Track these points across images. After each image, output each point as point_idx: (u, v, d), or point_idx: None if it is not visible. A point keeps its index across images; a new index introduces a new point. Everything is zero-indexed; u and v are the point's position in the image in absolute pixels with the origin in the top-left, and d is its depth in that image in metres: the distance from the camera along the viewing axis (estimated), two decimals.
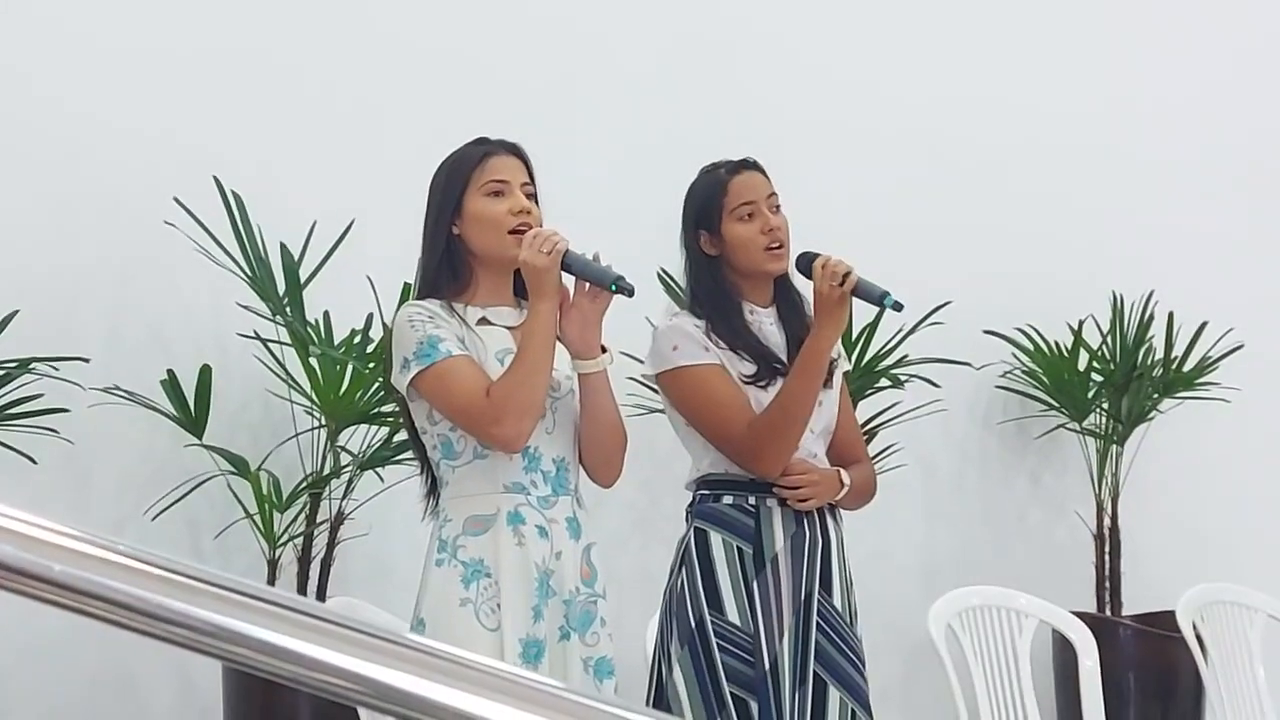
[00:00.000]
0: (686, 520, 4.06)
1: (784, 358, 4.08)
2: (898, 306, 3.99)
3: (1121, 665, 5.83)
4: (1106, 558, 6.10)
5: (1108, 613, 6.04)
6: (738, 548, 3.95)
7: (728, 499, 4.00)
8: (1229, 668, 5.64)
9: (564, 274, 3.56)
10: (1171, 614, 5.62)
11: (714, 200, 4.08)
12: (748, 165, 4.14)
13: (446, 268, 3.64)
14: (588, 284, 3.61)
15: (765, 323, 4.12)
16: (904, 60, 6.28)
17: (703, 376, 4.00)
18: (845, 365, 4.34)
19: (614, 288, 3.56)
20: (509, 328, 3.65)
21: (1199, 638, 5.56)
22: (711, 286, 4.09)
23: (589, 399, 3.65)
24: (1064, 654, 5.64)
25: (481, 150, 3.68)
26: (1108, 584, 6.08)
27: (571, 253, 3.55)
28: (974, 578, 5.71)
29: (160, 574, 1.01)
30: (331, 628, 1.03)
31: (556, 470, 3.63)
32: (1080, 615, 5.68)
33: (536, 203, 3.67)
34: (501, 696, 1.06)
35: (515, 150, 3.71)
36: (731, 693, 3.86)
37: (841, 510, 4.13)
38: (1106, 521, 6.11)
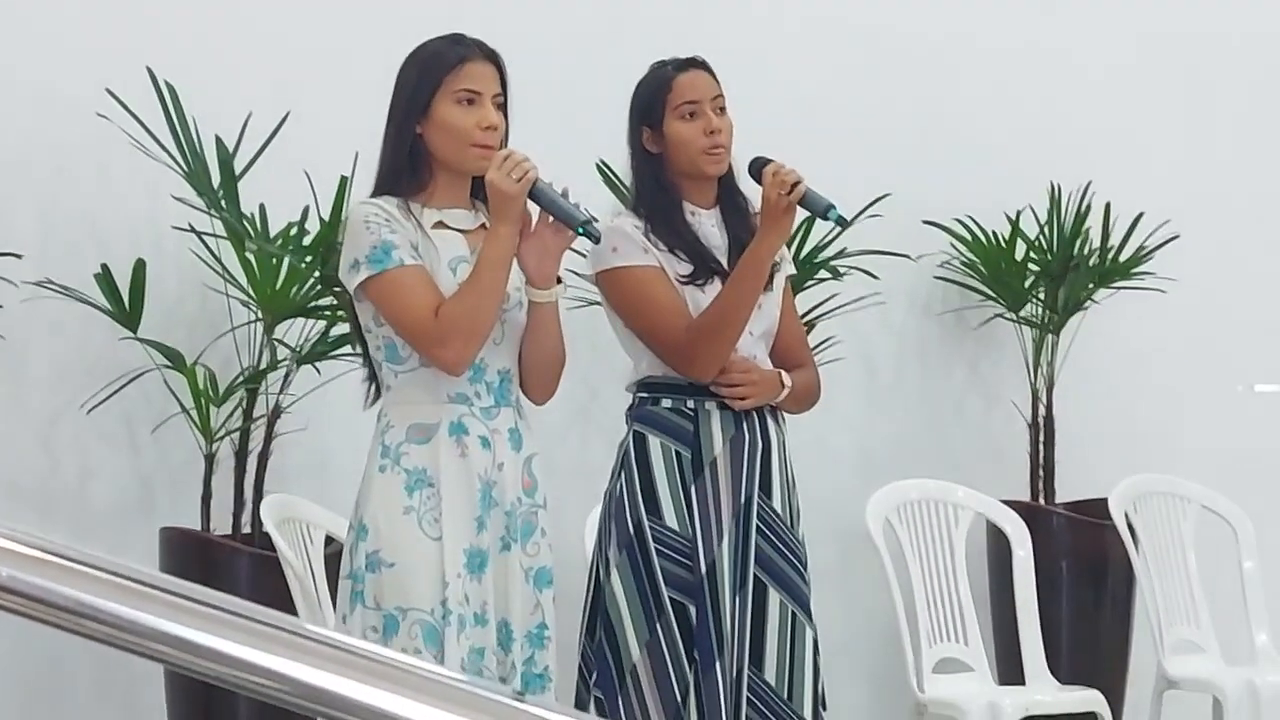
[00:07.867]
0: (626, 423, 4.07)
1: (724, 259, 4.07)
2: (842, 221, 4.01)
3: (1054, 553, 5.89)
4: (1041, 446, 6.14)
5: (1041, 501, 6.09)
6: (676, 452, 3.96)
7: (666, 402, 4.01)
8: (1161, 557, 5.71)
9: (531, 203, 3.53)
10: (1104, 502, 5.68)
11: (658, 97, 4.07)
12: (695, 64, 4.11)
13: (407, 166, 3.61)
14: (552, 218, 3.59)
15: (707, 224, 4.11)
16: None
17: (640, 278, 4.00)
18: (789, 269, 4.34)
19: (582, 230, 3.54)
20: (464, 231, 3.63)
21: (1130, 527, 5.63)
22: (653, 185, 4.08)
23: (536, 327, 3.64)
24: (998, 544, 5.70)
25: (458, 53, 3.61)
26: (1041, 473, 6.13)
27: (541, 183, 3.51)
28: (911, 467, 5.75)
29: (92, 574, 1.00)
30: (255, 626, 1.03)
31: (500, 381, 3.63)
32: (1013, 504, 5.73)
33: (506, 114, 3.63)
34: (424, 696, 1.06)
35: (493, 57, 3.64)
36: (670, 597, 3.89)
37: (783, 413, 4.14)
38: (1041, 410, 6.15)
